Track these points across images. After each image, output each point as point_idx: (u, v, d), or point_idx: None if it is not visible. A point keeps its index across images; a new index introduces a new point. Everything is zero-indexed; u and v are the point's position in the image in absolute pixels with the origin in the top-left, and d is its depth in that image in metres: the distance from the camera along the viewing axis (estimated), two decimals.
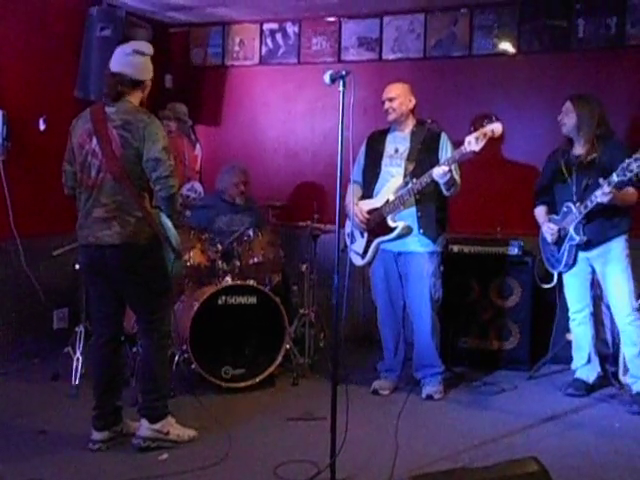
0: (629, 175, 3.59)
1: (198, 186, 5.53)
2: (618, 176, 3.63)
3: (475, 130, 3.78)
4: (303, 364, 4.59)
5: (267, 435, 3.60)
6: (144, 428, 3.38)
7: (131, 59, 3.36)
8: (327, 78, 2.90)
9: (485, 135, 3.75)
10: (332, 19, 5.62)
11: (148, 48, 3.44)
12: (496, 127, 3.76)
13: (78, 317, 4.36)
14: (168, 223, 3.34)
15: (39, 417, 3.75)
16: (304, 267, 4.81)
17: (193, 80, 6.08)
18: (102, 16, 5.03)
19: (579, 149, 4.07)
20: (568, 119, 4.05)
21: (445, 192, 4.05)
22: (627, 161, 3.58)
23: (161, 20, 5.87)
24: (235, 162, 5.27)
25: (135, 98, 3.38)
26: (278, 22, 5.78)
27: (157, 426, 3.38)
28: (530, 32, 5.08)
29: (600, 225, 3.97)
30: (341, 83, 2.86)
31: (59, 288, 4.89)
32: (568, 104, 4.07)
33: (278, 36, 5.80)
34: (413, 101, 4.21)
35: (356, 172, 4.29)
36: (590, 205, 3.85)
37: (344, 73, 2.87)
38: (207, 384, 4.17)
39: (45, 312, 4.85)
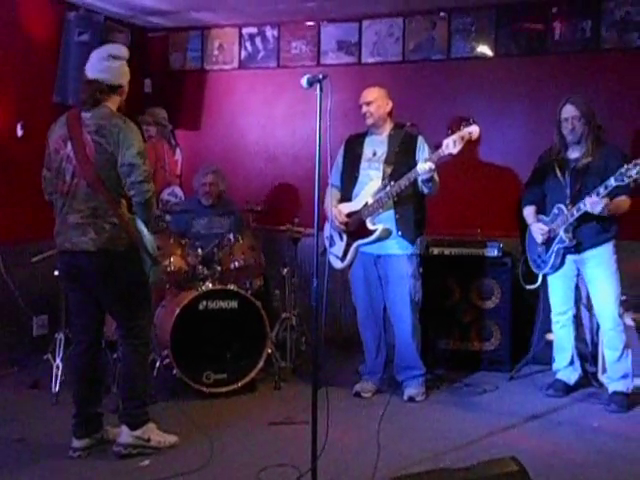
0: (627, 180, 3.59)
1: (178, 191, 5.52)
2: (616, 180, 3.63)
3: (453, 133, 3.81)
4: (285, 368, 4.59)
5: (249, 440, 3.59)
6: (125, 435, 3.36)
7: (107, 64, 3.35)
8: (305, 82, 2.90)
9: (463, 138, 3.78)
10: (311, 23, 5.64)
11: (123, 51, 3.43)
12: (474, 130, 3.79)
13: (58, 324, 4.31)
14: (144, 229, 3.32)
15: (18, 425, 3.72)
16: (285, 271, 4.81)
17: (172, 85, 6.07)
18: (80, 21, 5.01)
19: (576, 152, 4.06)
20: (579, 125, 3.99)
21: (425, 190, 4.07)
22: (626, 166, 3.58)
23: (140, 25, 5.85)
24: (207, 163, 5.26)
25: (113, 103, 3.37)
26: (257, 26, 5.79)
27: (138, 433, 3.36)
28: (507, 35, 5.14)
29: (590, 229, 3.97)
30: (318, 87, 2.87)
31: (38, 295, 4.84)
32: (572, 109, 3.98)
33: (257, 40, 5.81)
34: (390, 104, 4.24)
35: (334, 176, 4.30)
36: (583, 208, 3.85)
37: (321, 77, 2.87)
38: (189, 389, 4.16)
39: (25, 319, 4.80)
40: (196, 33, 5.96)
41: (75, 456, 3.34)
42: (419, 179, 3.98)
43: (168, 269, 4.36)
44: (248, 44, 5.84)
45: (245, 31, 5.84)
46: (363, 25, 5.50)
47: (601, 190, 3.71)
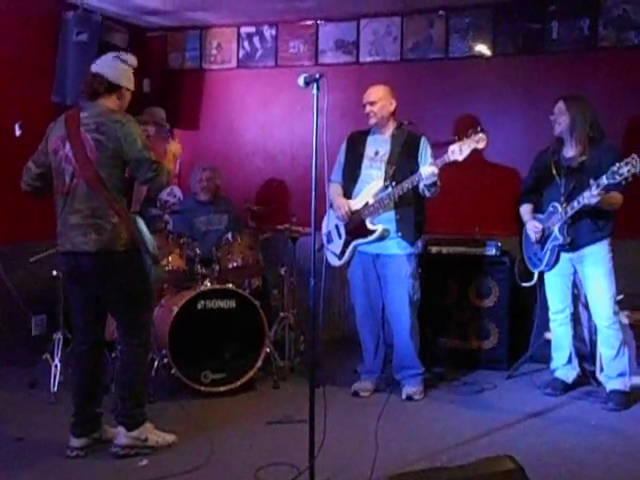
0: (619, 179, 3.60)
1: (177, 190, 5.50)
2: (607, 179, 3.64)
3: (459, 139, 3.78)
4: (283, 367, 4.59)
5: (247, 439, 3.59)
6: (121, 436, 3.35)
7: (111, 63, 3.39)
8: (301, 81, 2.89)
9: (469, 146, 3.75)
10: (309, 22, 5.64)
11: (131, 59, 3.46)
12: (481, 138, 3.75)
13: (56, 324, 4.32)
14: (144, 229, 3.33)
15: (17, 424, 3.72)
16: (283, 270, 4.81)
17: (171, 84, 6.07)
18: (78, 21, 5.01)
19: (570, 150, 4.08)
20: (562, 120, 4.04)
21: (427, 194, 4.05)
22: (617, 165, 3.60)
23: (138, 25, 5.85)
24: (201, 162, 5.29)
25: (111, 103, 3.35)
26: (255, 25, 5.79)
27: (134, 433, 3.35)
28: (505, 34, 5.13)
29: (585, 227, 3.99)
30: (315, 86, 2.87)
31: (37, 294, 4.84)
32: (561, 105, 4.05)
33: (255, 39, 5.81)
34: (394, 104, 4.21)
35: (336, 172, 4.30)
36: (577, 206, 3.86)
37: (318, 76, 2.86)
38: (187, 389, 4.16)
39: (23, 319, 4.80)
40: (194, 33, 5.97)
41: (72, 455, 3.34)
42: (421, 183, 3.97)
43: (166, 268, 4.35)
44: (246, 43, 5.85)
45: (243, 30, 5.85)
46: (361, 24, 5.50)
47: (594, 188, 3.72)
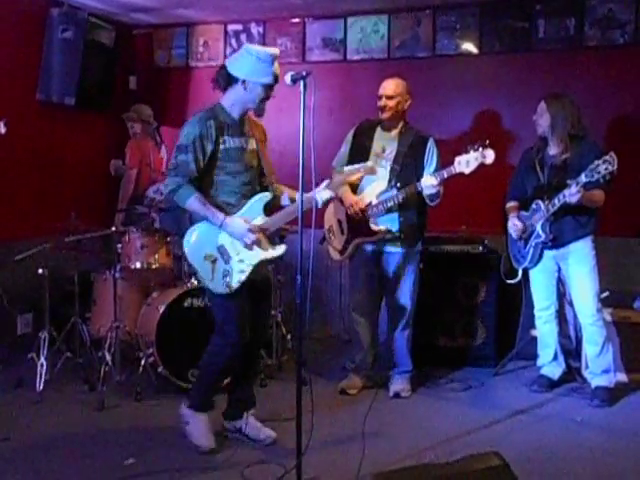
0: (597, 176, 3.63)
1: (164, 187, 5.49)
2: (586, 177, 3.68)
3: (467, 152, 3.77)
4: (271, 365, 4.59)
5: (235, 437, 3.59)
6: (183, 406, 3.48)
7: (238, 55, 3.31)
8: (288, 79, 2.89)
9: (477, 159, 3.73)
10: (296, 20, 5.64)
11: (264, 52, 3.26)
12: (488, 154, 3.73)
13: (42, 322, 4.28)
14: (187, 248, 3.42)
15: (2, 424, 3.69)
16: (270, 268, 4.79)
17: (157, 81, 6.04)
18: (63, 18, 4.99)
19: (553, 149, 4.11)
20: (543, 120, 4.07)
21: (428, 202, 4.06)
22: (596, 162, 3.63)
23: (124, 22, 5.82)
24: None
25: (231, 97, 3.38)
26: (242, 23, 5.78)
27: (185, 411, 3.44)
28: (492, 33, 5.16)
29: (568, 224, 4.02)
30: (302, 84, 2.86)
31: (23, 293, 4.82)
32: (542, 104, 4.07)
33: (243, 37, 5.80)
34: (409, 102, 4.16)
35: (340, 161, 4.24)
36: (558, 204, 3.89)
37: (304, 74, 2.86)
38: (174, 387, 4.14)
39: (9, 318, 4.77)
40: (181, 30, 5.95)
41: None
42: (423, 192, 3.96)
43: (153, 266, 4.36)
44: (233, 41, 5.84)
45: (230, 28, 5.84)
46: (348, 22, 5.51)
47: (573, 187, 3.75)
